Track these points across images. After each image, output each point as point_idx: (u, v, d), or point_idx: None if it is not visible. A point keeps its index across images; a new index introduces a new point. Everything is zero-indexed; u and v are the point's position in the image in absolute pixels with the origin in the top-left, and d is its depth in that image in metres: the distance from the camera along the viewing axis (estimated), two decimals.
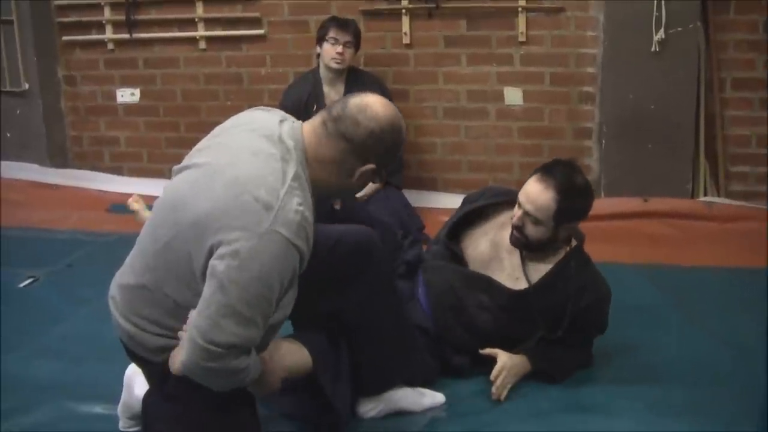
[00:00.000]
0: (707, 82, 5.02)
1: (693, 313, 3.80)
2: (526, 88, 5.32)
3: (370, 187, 4.74)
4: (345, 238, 2.72)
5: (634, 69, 4.99)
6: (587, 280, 3.14)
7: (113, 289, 2.53)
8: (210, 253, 2.19)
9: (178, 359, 2.28)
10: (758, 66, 4.98)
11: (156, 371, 2.48)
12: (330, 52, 4.77)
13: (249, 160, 2.30)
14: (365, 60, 5.34)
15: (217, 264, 2.17)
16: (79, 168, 6.16)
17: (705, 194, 5.08)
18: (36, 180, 5.98)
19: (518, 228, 3.11)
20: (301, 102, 4.85)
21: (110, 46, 5.89)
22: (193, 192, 2.29)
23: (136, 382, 2.81)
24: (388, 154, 2.40)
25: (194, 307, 2.22)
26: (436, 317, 3.23)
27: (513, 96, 5.34)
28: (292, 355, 2.67)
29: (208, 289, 2.18)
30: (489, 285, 3.19)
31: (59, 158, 6.15)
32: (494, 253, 3.28)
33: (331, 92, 4.90)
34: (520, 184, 5.16)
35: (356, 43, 4.88)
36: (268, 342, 2.49)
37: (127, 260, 2.53)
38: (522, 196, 3.08)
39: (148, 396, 2.64)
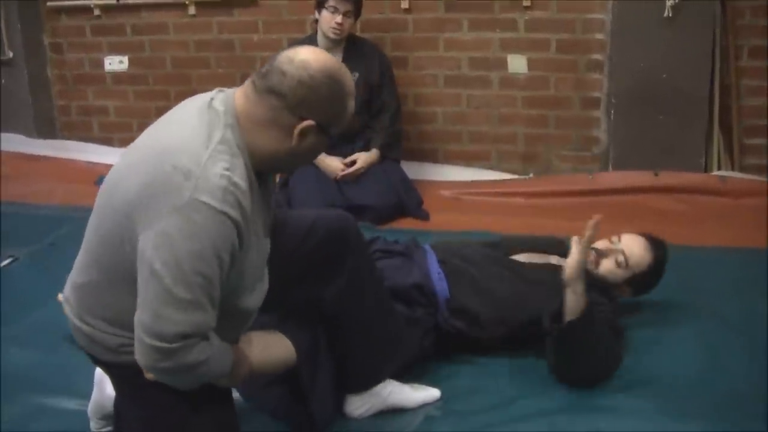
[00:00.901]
0: (722, 50, 4.87)
1: (704, 300, 3.60)
2: (531, 56, 5.16)
3: (367, 160, 4.57)
4: (319, 222, 2.56)
5: (645, 36, 4.83)
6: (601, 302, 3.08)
7: (66, 290, 2.32)
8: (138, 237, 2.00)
9: None
10: None
11: (122, 373, 2.29)
12: (329, 20, 4.54)
13: (175, 131, 2.10)
14: (362, 26, 5.15)
15: (144, 248, 1.97)
16: (68, 139, 6.07)
17: (718, 168, 4.95)
18: (22, 152, 5.87)
19: (599, 254, 3.15)
20: None
21: (96, 12, 5.77)
22: (125, 173, 2.10)
23: (107, 379, 2.62)
24: (327, 107, 2.11)
25: None
26: (447, 272, 3.07)
27: (517, 64, 5.19)
28: (273, 346, 2.50)
29: (140, 278, 1.98)
30: (507, 261, 3.18)
31: (46, 129, 6.07)
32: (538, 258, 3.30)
33: None
34: (525, 155, 5.25)
35: (356, 11, 4.66)
36: (238, 332, 2.32)
37: (77, 257, 2.31)
38: (626, 239, 3.22)
39: (118, 400, 2.49)
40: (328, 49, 4.58)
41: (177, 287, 1.94)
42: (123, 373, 2.27)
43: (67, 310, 2.30)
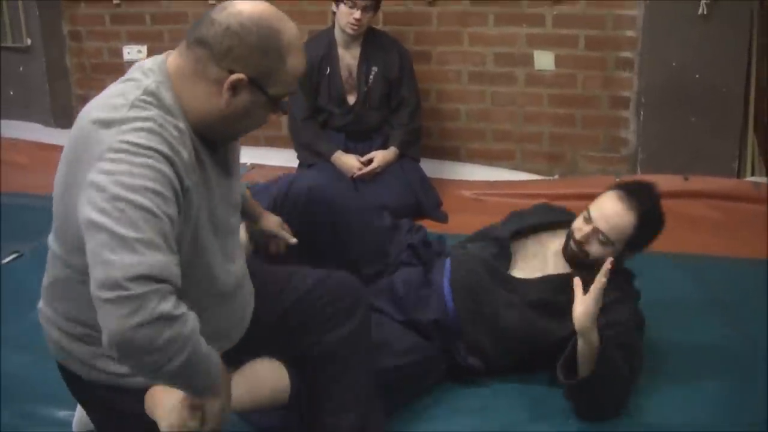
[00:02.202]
0: (759, 48, 4.73)
1: (734, 315, 3.46)
2: (559, 52, 5.05)
3: (384, 158, 4.46)
4: (328, 282, 2.47)
5: (679, 33, 4.71)
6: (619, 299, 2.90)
7: (41, 300, 2.19)
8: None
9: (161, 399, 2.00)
10: None
11: (97, 403, 2.18)
12: (346, 15, 4.42)
13: (102, 93, 1.97)
14: (384, 18, 5.06)
15: (80, 209, 1.79)
16: None
17: (752, 173, 4.83)
18: (39, 141, 5.82)
19: (580, 243, 2.90)
20: (313, 64, 4.54)
21: (116, 0, 5.73)
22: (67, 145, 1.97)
23: None
24: (258, 59, 1.92)
25: None
26: (458, 308, 2.97)
27: (544, 60, 5.08)
28: (269, 373, 2.45)
29: (86, 239, 1.78)
30: (513, 283, 2.99)
31: (64, 118, 6.00)
32: (540, 252, 3.12)
33: (346, 55, 4.59)
34: (550, 155, 5.10)
35: (376, 5, 4.53)
36: (219, 321, 2.16)
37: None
38: (595, 212, 2.91)
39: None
40: (347, 43, 4.53)
41: (120, 228, 1.73)
42: (98, 403, 2.18)
43: (42, 321, 2.18)
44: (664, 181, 4.62)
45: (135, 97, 1.87)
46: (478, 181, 5.08)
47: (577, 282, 2.68)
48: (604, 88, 5.03)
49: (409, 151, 4.66)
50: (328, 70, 4.54)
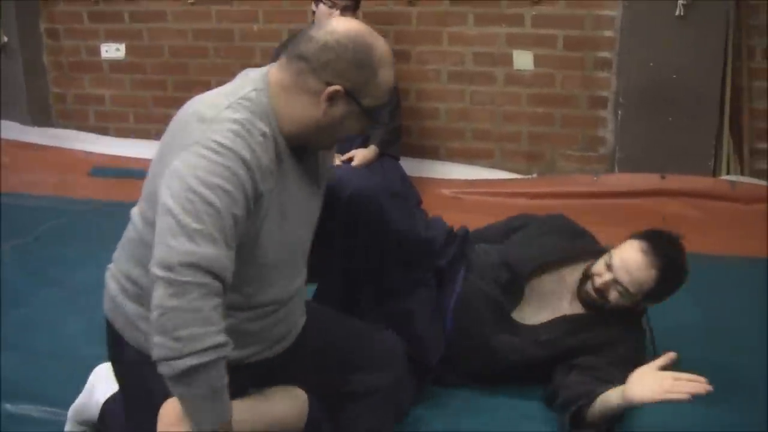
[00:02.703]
0: (735, 50, 4.77)
1: (713, 311, 3.48)
2: (538, 52, 5.07)
3: (365, 157, 4.46)
4: (378, 334, 2.57)
5: (656, 34, 4.73)
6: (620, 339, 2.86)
7: (113, 256, 2.32)
8: None
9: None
10: None
11: (130, 367, 2.24)
12: (325, 15, 4.40)
13: (214, 90, 2.18)
14: (364, 17, 5.01)
15: (161, 190, 1.96)
16: (63, 127, 6.00)
17: (728, 172, 4.86)
18: (16, 139, 5.78)
19: (599, 291, 2.82)
20: None
21: None
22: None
23: (101, 383, 2.56)
24: (354, 73, 2.06)
25: None
26: (456, 339, 2.90)
27: (523, 60, 5.09)
28: (289, 400, 2.41)
29: (157, 219, 1.96)
30: (518, 328, 2.90)
31: (41, 116, 5.99)
32: (557, 289, 2.99)
33: None
34: (529, 154, 5.13)
35: (355, 5, 4.53)
36: (263, 332, 2.24)
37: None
38: (618, 262, 2.79)
39: (111, 401, 2.44)
40: None
41: (185, 217, 1.90)
42: (129, 370, 2.25)
43: (108, 273, 2.29)
44: (641, 180, 4.77)
45: (234, 99, 2.04)
46: (458, 180, 5.10)
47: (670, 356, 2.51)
48: (582, 88, 5.05)
49: (389, 149, 4.63)
50: None
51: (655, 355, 2.73)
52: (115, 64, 5.79)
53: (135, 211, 2.21)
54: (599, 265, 2.82)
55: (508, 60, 5.09)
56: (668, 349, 2.72)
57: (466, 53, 5.15)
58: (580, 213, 4.14)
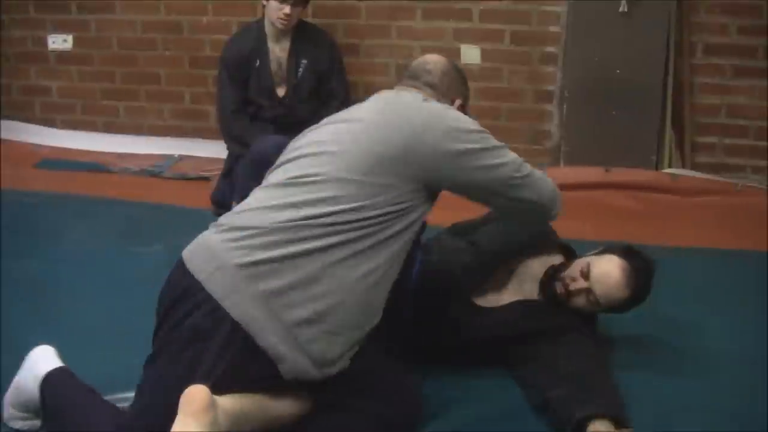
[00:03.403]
0: (677, 46, 4.84)
1: (655, 301, 3.49)
2: (485, 47, 5.12)
3: None
4: (389, 409, 2.46)
5: (601, 30, 4.80)
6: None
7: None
8: None
9: None
10: (731, 31, 4.82)
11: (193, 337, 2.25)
12: (276, 10, 4.39)
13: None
14: (313, 11, 5.05)
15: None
16: (9, 119, 5.88)
17: (670, 166, 4.93)
18: None
19: (569, 293, 2.89)
20: (243, 56, 4.52)
21: None
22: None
23: (42, 360, 2.50)
24: (464, 86, 2.79)
25: None
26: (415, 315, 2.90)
27: (470, 54, 5.14)
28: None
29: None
30: (477, 310, 2.95)
31: None
32: (520, 276, 3.05)
33: (276, 48, 4.55)
34: None
35: (305, 0, 4.53)
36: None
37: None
38: (597, 275, 2.85)
39: (56, 371, 2.44)
40: (277, 36, 4.50)
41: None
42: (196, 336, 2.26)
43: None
44: (586, 173, 4.80)
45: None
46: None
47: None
48: (528, 82, 5.10)
49: None
50: (258, 62, 4.50)
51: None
52: (62, 56, 5.73)
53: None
54: (574, 271, 2.88)
55: (456, 54, 5.11)
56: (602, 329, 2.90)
57: (414, 47, 5.16)
58: None
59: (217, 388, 2.13)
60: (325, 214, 2.27)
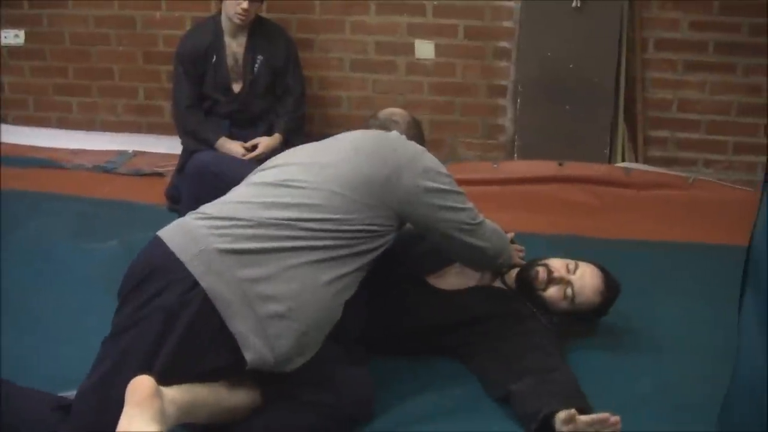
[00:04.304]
0: (629, 41, 4.88)
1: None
2: (439, 42, 5.13)
3: (269, 145, 4.47)
4: (339, 402, 2.52)
5: (554, 25, 4.82)
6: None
7: None
8: None
9: None
10: (683, 26, 4.86)
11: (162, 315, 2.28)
12: (233, 6, 4.36)
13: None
14: (268, 6, 5.00)
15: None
16: None
17: (623, 159, 4.96)
18: None
19: (551, 281, 2.99)
20: (199, 52, 4.48)
21: None
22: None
23: None
24: (422, 138, 3.03)
25: None
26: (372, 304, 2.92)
27: (424, 49, 5.15)
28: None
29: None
30: (432, 292, 3.05)
31: None
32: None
33: (233, 43, 4.52)
34: (430, 142, 5.00)
35: None
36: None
37: None
38: (581, 273, 3.01)
39: None
40: (233, 31, 4.48)
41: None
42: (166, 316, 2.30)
43: None
44: (539, 167, 4.80)
45: None
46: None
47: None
48: (482, 77, 5.11)
49: (294, 138, 4.60)
50: (214, 58, 4.46)
51: None
52: (14, 51, 5.65)
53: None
54: (559, 264, 3.00)
55: (410, 49, 5.14)
56: None
57: (368, 42, 5.18)
58: (480, 199, 4.15)
59: (178, 369, 2.22)
60: (309, 219, 2.42)
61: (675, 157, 5.03)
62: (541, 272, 2.98)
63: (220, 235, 2.35)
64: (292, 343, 2.33)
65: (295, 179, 2.52)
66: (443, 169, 2.72)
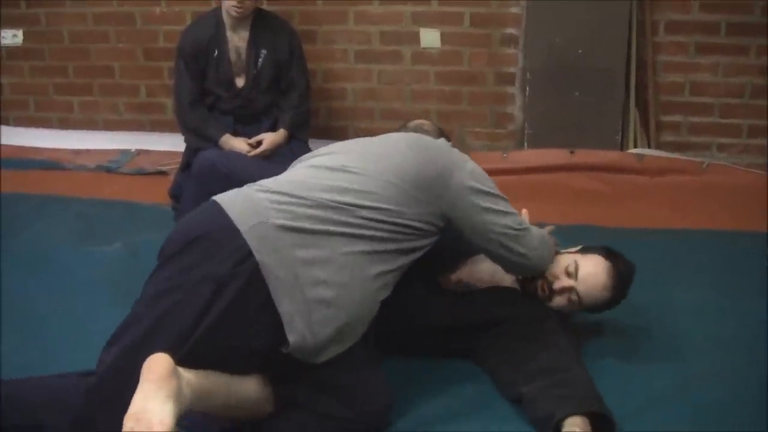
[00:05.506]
0: (639, 25, 4.81)
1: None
2: (444, 30, 5.07)
3: (274, 141, 4.40)
4: (355, 412, 2.46)
5: (562, 10, 4.74)
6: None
7: None
8: None
9: None
10: (694, 8, 4.79)
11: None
12: None
13: None
14: None
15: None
16: None
17: (635, 146, 4.89)
18: None
19: (552, 291, 2.87)
20: (201, 46, 4.40)
21: None
22: None
23: None
24: None
25: None
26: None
27: (430, 38, 5.09)
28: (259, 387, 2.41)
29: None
30: (441, 291, 2.99)
31: None
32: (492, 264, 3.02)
33: (235, 37, 4.43)
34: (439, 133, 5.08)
35: None
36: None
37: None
38: (583, 275, 2.85)
39: None
40: (234, 25, 4.40)
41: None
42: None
43: None
44: (550, 156, 4.76)
45: None
46: None
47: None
48: (489, 65, 5.05)
49: (299, 133, 4.54)
50: (216, 52, 4.38)
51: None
52: (12, 51, 5.60)
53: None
54: (558, 269, 2.86)
55: (415, 38, 5.08)
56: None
57: (372, 32, 5.12)
58: None
59: (215, 342, 2.22)
60: (364, 206, 2.41)
61: (688, 142, 4.98)
62: (540, 288, 2.87)
63: (281, 211, 2.34)
64: (332, 332, 2.32)
65: (352, 166, 2.52)
66: (487, 175, 2.72)
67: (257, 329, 2.26)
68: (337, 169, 2.51)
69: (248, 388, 2.36)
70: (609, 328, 3.12)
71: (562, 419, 2.41)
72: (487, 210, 2.62)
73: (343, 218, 2.38)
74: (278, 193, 2.40)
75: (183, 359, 2.13)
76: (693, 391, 2.74)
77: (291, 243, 2.29)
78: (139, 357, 2.09)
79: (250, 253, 2.24)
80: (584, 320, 3.09)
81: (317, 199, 2.38)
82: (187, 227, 2.39)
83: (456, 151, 2.73)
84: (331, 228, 2.35)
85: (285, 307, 2.24)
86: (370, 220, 2.41)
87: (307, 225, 2.33)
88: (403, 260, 2.51)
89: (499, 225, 2.63)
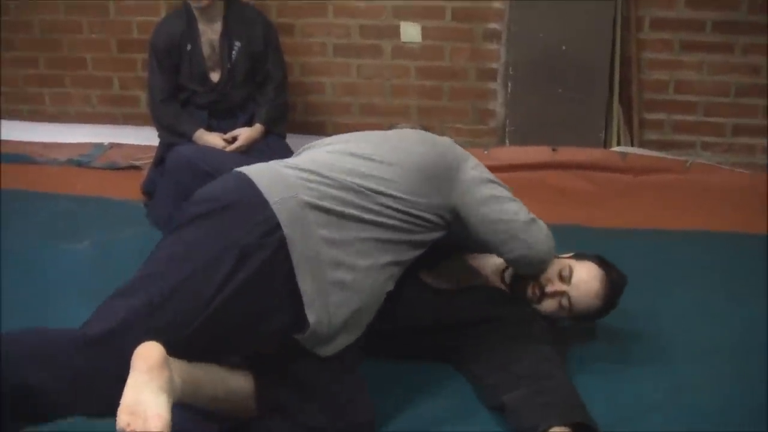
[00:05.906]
0: (624, 21, 4.77)
1: None
2: (425, 24, 5.00)
3: (250, 136, 4.32)
4: (342, 415, 2.42)
5: (545, 5, 4.71)
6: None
7: None
8: None
9: None
10: (679, 5, 4.76)
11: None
12: None
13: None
14: None
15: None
16: None
17: (618, 144, 4.85)
18: None
19: (543, 295, 2.83)
20: (173, 41, 4.32)
21: None
22: None
23: None
24: None
25: None
26: None
27: (410, 32, 5.02)
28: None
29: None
30: (425, 289, 2.92)
31: None
32: (479, 264, 3.04)
33: (208, 30, 4.34)
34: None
35: None
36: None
37: None
38: (576, 280, 2.81)
39: None
40: (206, 19, 4.31)
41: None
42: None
43: None
44: (532, 153, 4.74)
45: None
46: None
47: None
48: (471, 60, 5.00)
49: (276, 127, 4.47)
50: (189, 46, 4.30)
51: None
52: None
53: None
54: (552, 272, 2.81)
55: (396, 32, 5.01)
56: None
57: (352, 26, 5.05)
58: None
59: (233, 313, 2.20)
60: (382, 193, 2.45)
61: (672, 140, 4.96)
62: (531, 290, 2.83)
63: (308, 188, 2.36)
64: (346, 317, 2.34)
65: (370, 153, 2.56)
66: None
67: (276, 305, 2.26)
68: (356, 156, 2.53)
69: (236, 382, 2.34)
70: (596, 333, 3.08)
71: (546, 430, 2.36)
72: (497, 198, 2.65)
73: (364, 203, 2.41)
74: (306, 171, 2.42)
75: (198, 329, 2.15)
76: (685, 397, 2.71)
77: (315, 221, 2.31)
78: (155, 317, 2.12)
79: (278, 226, 2.25)
80: (574, 324, 3.04)
81: (342, 180, 2.41)
82: (213, 194, 2.37)
83: (459, 146, 2.77)
84: (353, 211, 2.38)
85: (307, 285, 2.26)
86: (388, 207, 2.44)
87: (331, 206, 2.35)
88: (410, 254, 2.54)
89: (508, 213, 2.66)
